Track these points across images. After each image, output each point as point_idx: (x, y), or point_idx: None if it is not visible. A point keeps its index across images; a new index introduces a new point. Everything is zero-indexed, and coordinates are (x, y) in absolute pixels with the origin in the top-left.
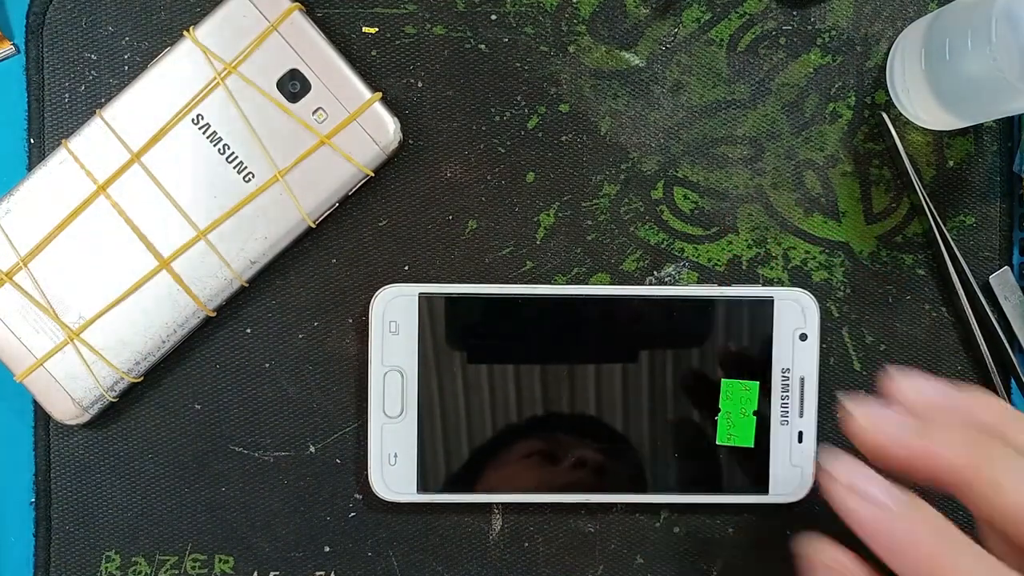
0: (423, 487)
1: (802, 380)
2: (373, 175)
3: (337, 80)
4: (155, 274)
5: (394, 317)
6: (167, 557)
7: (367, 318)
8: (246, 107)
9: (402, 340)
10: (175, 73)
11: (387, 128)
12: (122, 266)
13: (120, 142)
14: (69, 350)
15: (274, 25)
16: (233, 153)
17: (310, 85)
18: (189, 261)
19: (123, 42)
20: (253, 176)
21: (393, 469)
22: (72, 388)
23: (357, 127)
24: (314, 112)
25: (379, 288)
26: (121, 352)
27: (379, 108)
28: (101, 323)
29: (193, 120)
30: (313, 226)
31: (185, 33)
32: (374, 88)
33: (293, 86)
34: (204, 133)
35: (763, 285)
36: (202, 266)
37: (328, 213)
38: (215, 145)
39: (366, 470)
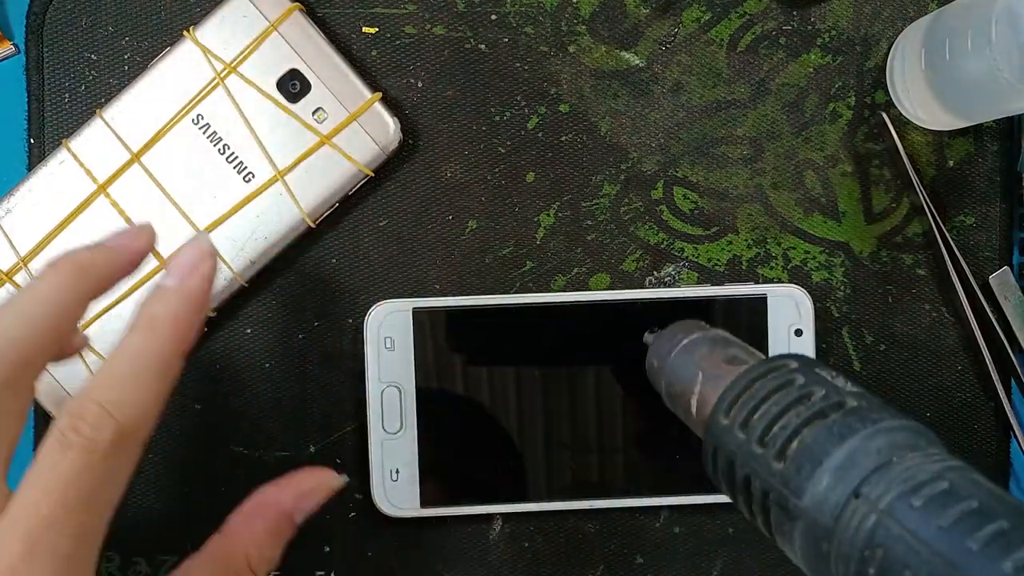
0: (426, 501)
1: None
2: (373, 175)
3: (337, 80)
4: (155, 274)
5: (389, 333)
6: (167, 557)
7: (364, 325)
8: (246, 107)
9: (398, 356)
10: (175, 73)
11: (387, 128)
12: None
13: (120, 142)
14: None
15: (274, 25)
16: (233, 153)
17: (310, 85)
18: None
19: (123, 42)
20: (253, 176)
21: (396, 485)
22: (72, 389)
23: (357, 127)
24: (314, 112)
25: (376, 294)
26: None
27: (379, 108)
28: (101, 323)
29: (193, 120)
30: (313, 226)
31: (185, 33)
32: (374, 88)
33: (293, 86)
34: (204, 133)
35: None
36: None
37: (328, 213)
38: (215, 145)
39: (366, 473)
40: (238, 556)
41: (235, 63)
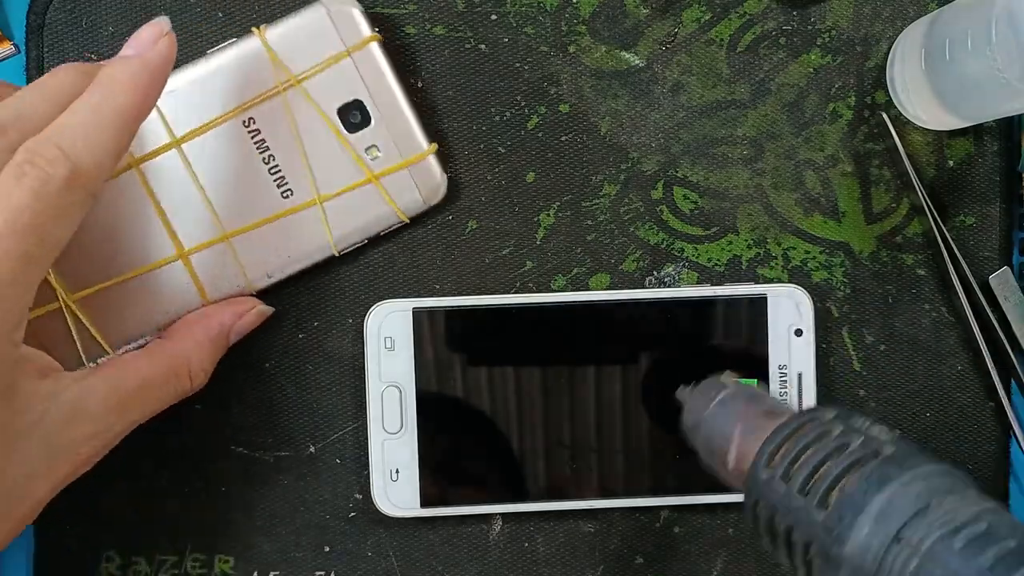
0: (426, 501)
1: (799, 376)
2: (408, 222)
3: (399, 122)
4: (170, 262)
5: (389, 333)
6: (167, 557)
7: (364, 325)
8: (302, 124)
9: (398, 356)
10: (236, 69)
11: (435, 182)
12: (137, 246)
13: (163, 123)
14: (58, 314)
15: (349, 51)
16: (277, 166)
17: (370, 120)
18: (206, 259)
19: (123, 42)
20: (292, 193)
21: (396, 485)
22: (55, 352)
23: (406, 174)
24: (367, 148)
25: (376, 294)
26: (114, 328)
27: (432, 161)
28: (102, 296)
29: (244, 122)
30: (338, 255)
31: (255, 31)
32: (430, 138)
33: (354, 116)
34: (252, 138)
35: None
36: (218, 267)
37: (354, 247)
38: (261, 153)
39: (366, 472)
40: (180, 358)
41: (302, 78)
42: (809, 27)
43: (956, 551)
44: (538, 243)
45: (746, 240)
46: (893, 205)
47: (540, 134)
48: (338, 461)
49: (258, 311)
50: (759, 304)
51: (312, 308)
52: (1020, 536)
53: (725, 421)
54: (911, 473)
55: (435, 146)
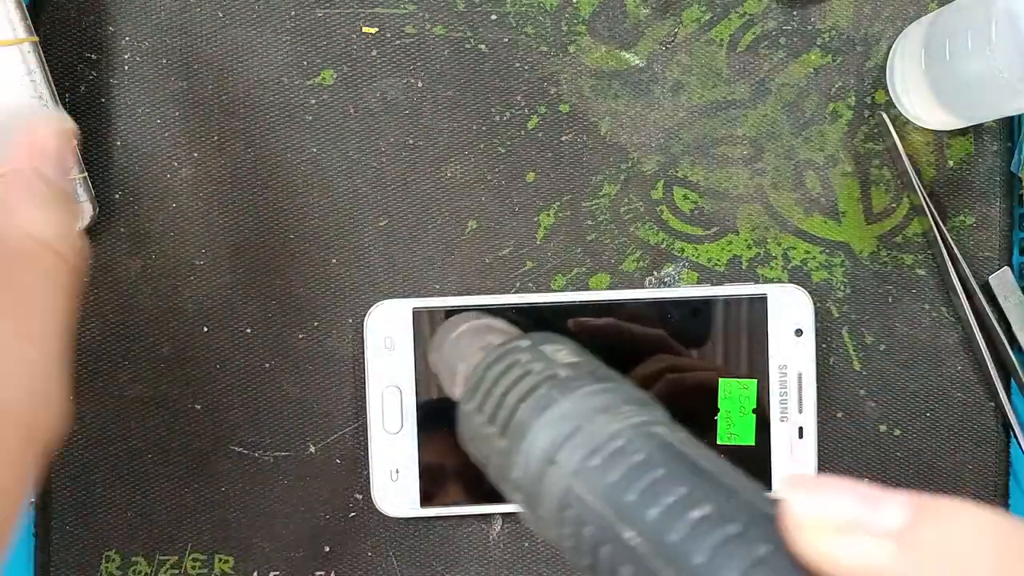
0: (426, 501)
1: (800, 376)
2: None
3: None
4: None
5: (389, 333)
6: (167, 557)
7: (364, 325)
8: None
9: (398, 356)
10: None
11: None
12: None
13: None
14: None
15: None
16: None
17: None
18: None
19: (123, 42)
20: None
21: (395, 485)
22: None
23: None
24: None
25: (376, 294)
26: None
27: None
28: None
29: None
30: None
31: None
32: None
33: None
34: None
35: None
36: None
37: None
38: None
39: (366, 472)
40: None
41: None
42: (809, 27)
43: (594, 468)
44: (538, 243)
45: (746, 240)
46: (893, 205)
47: (540, 134)
48: (338, 461)
49: (55, 131)
50: (759, 304)
51: (312, 308)
52: (651, 448)
53: (453, 357)
54: (571, 395)
55: None
